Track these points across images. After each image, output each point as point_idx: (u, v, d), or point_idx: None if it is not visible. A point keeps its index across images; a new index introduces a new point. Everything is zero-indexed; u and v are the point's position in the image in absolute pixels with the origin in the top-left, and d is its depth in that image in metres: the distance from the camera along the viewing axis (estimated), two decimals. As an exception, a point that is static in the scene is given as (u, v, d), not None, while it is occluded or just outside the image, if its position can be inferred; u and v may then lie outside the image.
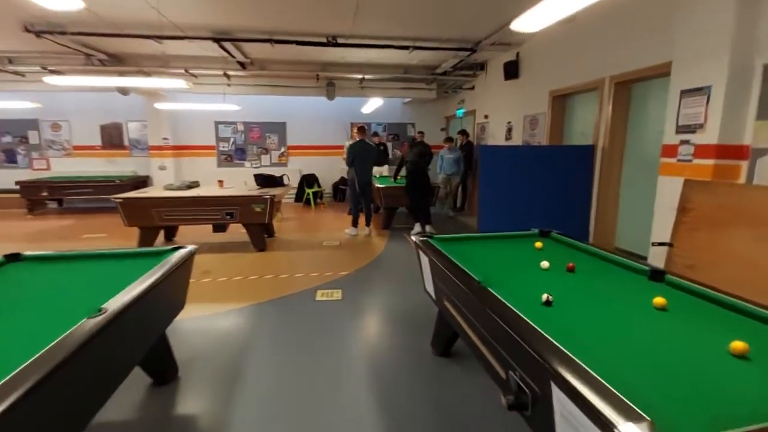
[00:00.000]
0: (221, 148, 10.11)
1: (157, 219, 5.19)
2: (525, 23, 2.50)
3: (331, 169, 10.19)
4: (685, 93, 3.24)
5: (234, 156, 10.17)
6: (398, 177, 7.21)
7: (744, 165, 3.01)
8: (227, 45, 6.19)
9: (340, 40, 6.04)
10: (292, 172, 9.87)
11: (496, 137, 7.31)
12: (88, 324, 1.50)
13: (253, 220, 5.42)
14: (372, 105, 9.26)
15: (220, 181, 6.38)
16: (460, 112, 9.19)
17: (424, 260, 2.60)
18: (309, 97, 9.13)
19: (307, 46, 6.08)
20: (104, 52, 6.80)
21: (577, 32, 4.92)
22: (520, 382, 1.41)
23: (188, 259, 2.38)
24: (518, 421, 1.56)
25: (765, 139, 2.89)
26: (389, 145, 10.40)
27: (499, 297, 1.67)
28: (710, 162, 3.07)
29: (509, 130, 6.77)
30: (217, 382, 2.51)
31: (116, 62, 7.21)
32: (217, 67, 7.41)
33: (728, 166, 3.04)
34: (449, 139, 7.80)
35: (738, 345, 1.30)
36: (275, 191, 5.70)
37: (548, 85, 5.55)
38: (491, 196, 4.62)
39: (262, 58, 7.47)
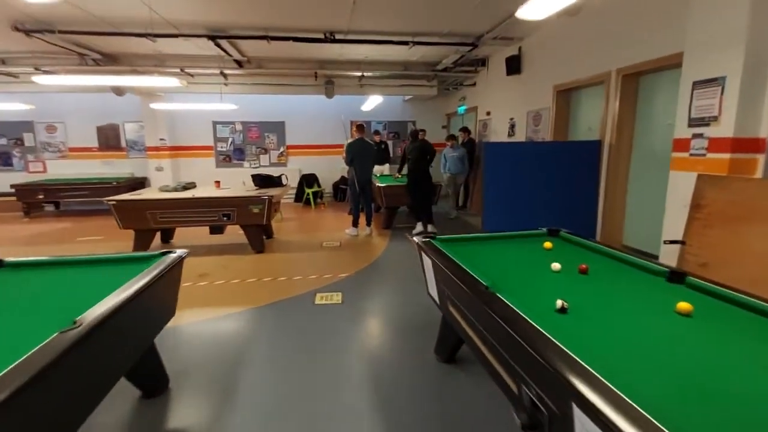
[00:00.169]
0: (219, 149, 9.98)
1: (151, 221, 5.06)
2: (531, 10, 2.36)
3: (331, 169, 10.05)
4: (697, 84, 3.10)
5: (232, 156, 10.05)
6: (401, 173, 7.04)
7: (761, 159, 2.87)
8: (223, 43, 6.06)
9: (338, 36, 5.91)
10: (291, 172, 9.74)
11: (498, 134, 7.17)
12: (60, 339, 1.38)
13: (251, 222, 5.29)
14: (372, 103, 9.12)
15: (217, 182, 6.26)
16: (461, 109, 9.04)
17: (427, 262, 2.47)
18: (308, 95, 9.00)
19: (305, 43, 5.94)
20: (98, 51, 6.68)
21: (581, 24, 4.78)
22: (535, 399, 1.27)
23: (177, 265, 2.25)
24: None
25: (784, 131, 2.75)
26: (390, 143, 10.25)
27: (509, 304, 1.53)
28: (726, 156, 2.93)
29: (512, 126, 6.62)
30: (210, 393, 2.38)
31: (111, 62, 7.08)
32: (214, 66, 7.28)
33: (744, 160, 2.90)
34: (452, 137, 7.57)
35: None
36: (273, 191, 5.57)
37: (552, 80, 5.41)
38: (496, 194, 4.48)
39: (259, 56, 7.34)
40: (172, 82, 4.98)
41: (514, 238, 2.75)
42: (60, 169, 9.46)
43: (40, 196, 8.44)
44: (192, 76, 7.72)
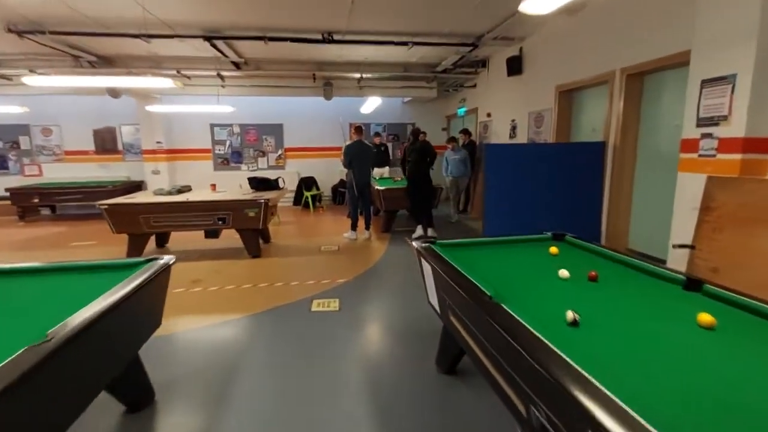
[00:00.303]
0: (217, 151, 9.87)
1: (145, 226, 4.95)
2: (535, 4, 2.25)
3: (330, 171, 9.93)
4: (706, 83, 2.99)
5: (230, 159, 9.94)
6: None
7: (774, 159, 2.76)
8: (219, 44, 5.96)
9: (336, 37, 5.80)
10: (289, 175, 9.64)
11: (499, 136, 7.06)
12: (28, 354, 1.26)
13: (247, 226, 5.18)
14: (371, 104, 9.02)
15: (213, 185, 6.15)
16: (461, 111, 8.94)
17: (427, 269, 2.35)
18: (306, 97, 8.90)
19: (302, 44, 5.84)
20: (93, 53, 6.58)
21: (584, 23, 4.67)
22: (546, 424, 1.16)
23: (163, 272, 2.13)
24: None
25: (798, 131, 2.64)
26: (389, 145, 10.14)
27: (516, 316, 1.42)
28: (737, 156, 2.82)
29: (513, 128, 6.52)
30: (198, 407, 2.26)
31: (106, 64, 6.98)
32: (211, 67, 7.18)
33: (756, 161, 2.79)
34: (453, 139, 7.43)
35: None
36: (270, 195, 5.46)
37: (554, 80, 5.30)
38: (497, 197, 4.36)
39: (256, 57, 7.24)
40: (165, 82, 4.87)
41: (518, 243, 2.63)
42: (56, 173, 9.35)
43: (35, 200, 8.33)
44: (189, 78, 7.62)
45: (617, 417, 0.90)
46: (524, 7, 2.28)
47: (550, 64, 5.46)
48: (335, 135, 9.60)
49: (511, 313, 1.44)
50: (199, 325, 3.34)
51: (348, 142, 6.18)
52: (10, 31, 5.12)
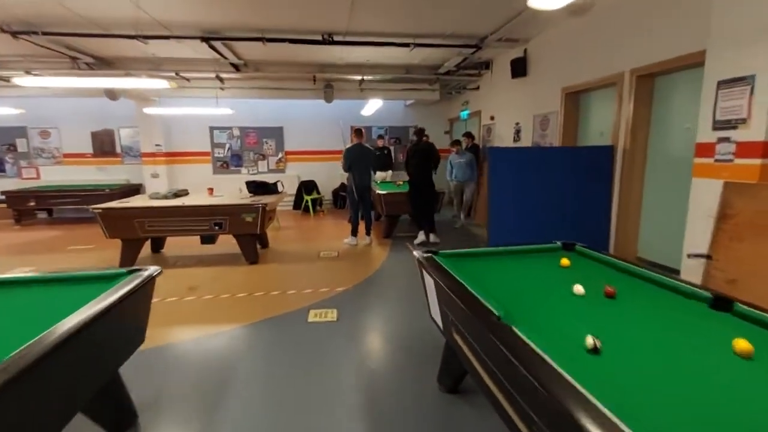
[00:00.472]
0: (217, 155, 9.75)
1: (139, 230, 4.81)
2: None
3: (331, 175, 9.79)
4: (723, 84, 2.84)
5: (230, 162, 9.82)
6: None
7: (796, 165, 2.60)
8: (217, 45, 5.84)
9: (337, 38, 5.68)
10: (289, 179, 9.50)
11: (503, 139, 6.91)
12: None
13: (244, 231, 5.04)
14: (372, 107, 8.88)
15: (210, 189, 6.02)
16: (464, 114, 8.80)
17: (429, 282, 2.20)
18: (306, 100, 8.78)
19: (302, 45, 5.72)
20: (90, 54, 6.48)
21: (592, 22, 4.53)
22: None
23: (146, 285, 1.99)
24: None
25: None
26: (392, 149, 10.00)
27: (528, 341, 1.26)
28: (756, 161, 2.66)
29: (518, 131, 6.37)
30: (184, 425, 2.11)
31: (104, 66, 6.88)
32: (209, 69, 7.07)
33: (778, 166, 2.63)
34: (457, 142, 7.22)
35: None
36: (268, 199, 5.32)
37: (560, 82, 5.16)
38: (502, 203, 4.21)
39: (255, 59, 7.12)
40: (160, 83, 4.75)
41: (525, 253, 2.48)
42: (54, 176, 9.24)
43: (32, 203, 8.22)
44: (188, 80, 7.52)
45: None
46: (533, 2, 2.14)
47: (555, 66, 5.32)
48: (336, 138, 9.47)
49: (524, 337, 1.29)
50: (190, 337, 3.19)
51: (348, 146, 6.04)
52: (3, 31, 5.01)
